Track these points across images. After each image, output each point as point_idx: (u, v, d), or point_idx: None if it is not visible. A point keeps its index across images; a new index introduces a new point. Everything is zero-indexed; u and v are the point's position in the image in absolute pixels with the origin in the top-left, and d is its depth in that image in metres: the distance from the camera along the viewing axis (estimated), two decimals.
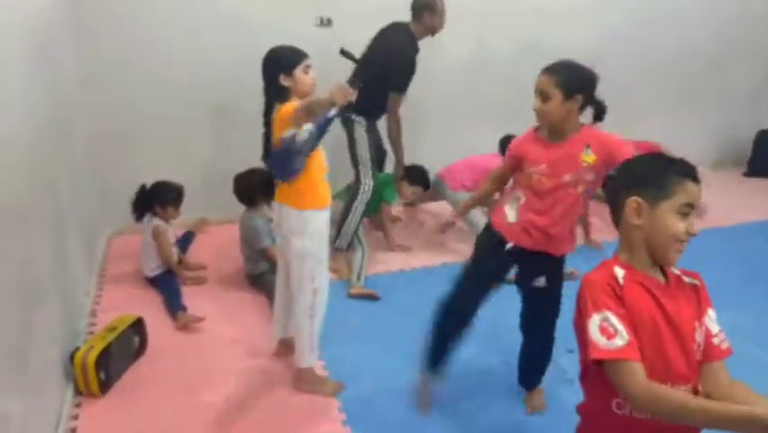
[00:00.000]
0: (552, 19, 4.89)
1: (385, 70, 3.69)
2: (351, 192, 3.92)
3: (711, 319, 1.55)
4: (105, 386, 2.74)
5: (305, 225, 2.61)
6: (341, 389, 2.82)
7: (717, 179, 5.62)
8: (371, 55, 3.74)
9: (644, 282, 1.50)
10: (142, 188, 3.66)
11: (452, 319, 2.60)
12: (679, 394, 1.39)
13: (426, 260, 4.11)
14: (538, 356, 2.74)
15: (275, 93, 2.57)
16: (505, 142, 4.43)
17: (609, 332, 1.42)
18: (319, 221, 2.65)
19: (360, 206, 3.86)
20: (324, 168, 2.66)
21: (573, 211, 2.38)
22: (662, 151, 4.52)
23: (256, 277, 3.64)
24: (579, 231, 4.35)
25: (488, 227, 2.57)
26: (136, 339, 3.01)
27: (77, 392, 2.73)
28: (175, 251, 3.77)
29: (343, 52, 2.56)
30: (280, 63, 2.54)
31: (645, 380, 1.39)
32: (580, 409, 1.69)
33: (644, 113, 5.32)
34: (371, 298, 3.61)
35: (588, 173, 2.29)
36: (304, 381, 2.80)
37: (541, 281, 2.53)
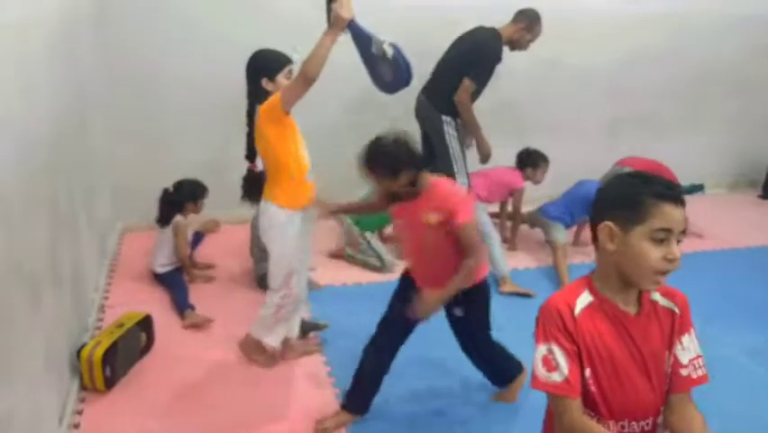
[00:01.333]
0: (573, 35, 4.88)
1: (469, 60, 3.77)
2: None
3: (684, 348, 1.50)
4: (110, 382, 2.74)
5: (280, 219, 2.66)
6: (275, 361, 2.93)
7: (733, 201, 5.59)
8: (457, 51, 3.84)
9: (609, 312, 1.46)
10: (165, 191, 3.68)
11: (372, 361, 2.61)
12: (600, 429, 1.42)
13: None
14: (486, 367, 2.76)
15: (257, 96, 2.61)
16: (522, 156, 4.43)
17: (551, 365, 1.43)
18: (287, 219, 2.67)
19: None
20: (304, 166, 2.67)
21: (442, 252, 2.36)
22: (662, 170, 4.53)
23: (264, 277, 3.63)
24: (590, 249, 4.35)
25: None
26: (143, 336, 3.02)
27: (83, 387, 2.73)
28: (189, 249, 3.79)
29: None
30: (264, 68, 2.59)
31: (574, 417, 1.42)
32: (545, 427, 1.71)
33: (662, 132, 5.29)
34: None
35: (436, 229, 2.30)
36: (253, 349, 2.95)
37: (458, 311, 2.55)
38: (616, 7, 4.92)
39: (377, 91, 2.70)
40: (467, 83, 3.78)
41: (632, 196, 1.39)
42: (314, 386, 2.88)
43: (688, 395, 1.51)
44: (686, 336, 1.51)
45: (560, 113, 4.86)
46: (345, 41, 2.51)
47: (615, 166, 4.61)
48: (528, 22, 3.89)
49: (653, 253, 1.36)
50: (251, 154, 2.78)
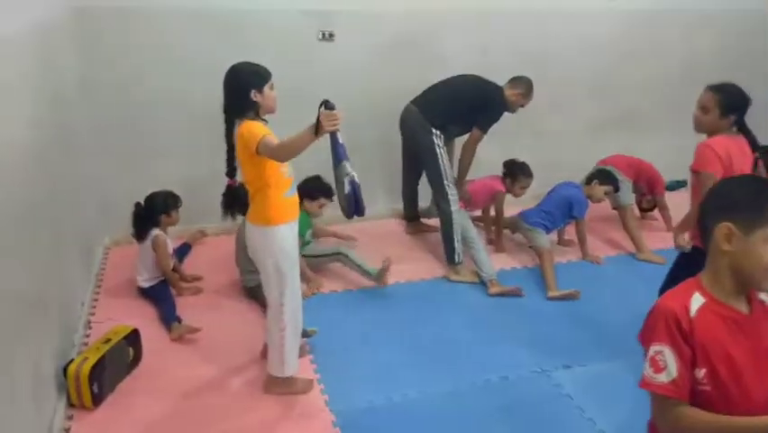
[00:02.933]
0: (556, 36, 4.92)
1: (480, 106, 4.09)
2: (439, 205, 4.08)
3: None
4: (97, 399, 2.72)
5: (269, 242, 2.65)
6: (311, 385, 2.89)
7: None
8: (466, 96, 4.10)
9: (722, 313, 1.47)
10: (138, 205, 3.67)
11: None
12: (712, 417, 1.41)
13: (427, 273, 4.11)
14: None
15: (238, 109, 2.60)
16: (506, 165, 4.44)
17: (659, 366, 1.43)
18: (282, 237, 2.66)
19: (456, 214, 4.01)
20: (286, 183, 2.66)
21: None
22: (645, 168, 4.59)
23: (252, 289, 3.63)
24: (576, 248, 4.38)
25: None
26: (131, 351, 3.00)
27: (70, 405, 2.71)
28: (171, 262, 3.77)
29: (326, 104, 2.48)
30: (251, 80, 2.59)
31: (679, 410, 1.42)
32: (649, 428, 1.69)
33: (645, 130, 5.31)
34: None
35: None
36: (274, 384, 2.86)
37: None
38: (598, 8, 4.96)
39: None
40: (477, 134, 4.13)
41: (755, 198, 1.42)
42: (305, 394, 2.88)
43: None
44: None
45: (544, 113, 4.89)
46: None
47: (598, 165, 4.65)
48: (526, 89, 4.18)
49: None
50: (230, 170, 2.77)
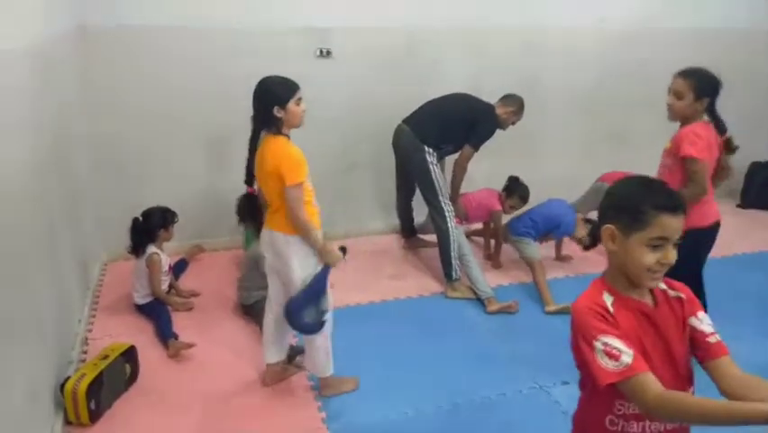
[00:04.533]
0: (548, 54, 4.97)
1: (472, 125, 4.14)
2: (435, 222, 4.10)
3: (702, 321, 1.55)
4: (95, 416, 2.71)
5: (299, 250, 2.67)
6: (358, 382, 3.03)
7: None
8: (458, 114, 4.15)
9: (630, 306, 1.52)
10: (135, 221, 3.67)
11: None
12: (693, 399, 1.41)
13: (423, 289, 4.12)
14: None
15: (264, 122, 2.62)
16: (507, 180, 4.48)
17: (614, 354, 1.43)
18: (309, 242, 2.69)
19: (452, 230, 4.03)
20: (311, 192, 2.70)
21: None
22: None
23: (249, 306, 3.63)
24: (572, 263, 4.39)
25: None
26: (128, 367, 2.99)
27: (67, 422, 2.70)
28: (167, 279, 3.77)
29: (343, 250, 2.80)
30: (275, 95, 2.58)
31: (659, 388, 1.39)
32: (574, 420, 1.72)
33: (638, 144, 5.35)
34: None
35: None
36: (329, 387, 2.95)
37: None
38: (589, 26, 5.02)
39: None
40: (469, 151, 4.17)
41: (634, 204, 1.47)
42: (302, 409, 2.88)
43: (729, 358, 1.51)
44: (699, 312, 1.57)
45: (537, 130, 4.93)
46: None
47: (596, 182, 4.68)
48: (517, 108, 4.27)
49: (649, 258, 1.45)
50: (249, 179, 2.78)
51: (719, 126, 2.87)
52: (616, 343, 1.44)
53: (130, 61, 4.08)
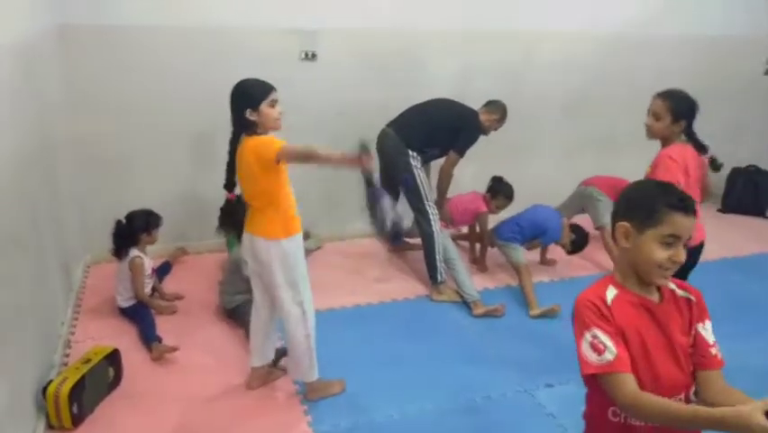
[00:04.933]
0: (531, 58, 5.01)
1: (457, 130, 4.18)
2: (420, 225, 4.11)
3: (707, 330, 1.61)
4: (77, 419, 2.68)
5: (280, 255, 2.66)
6: (344, 384, 3.03)
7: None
8: (441, 119, 4.18)
9: (633, 301, 1.57)
10: (119, 224, 3.64)
11: None
12: (660, 401, 1.44)
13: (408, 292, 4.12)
14: None
15: (241, 125, 2.61)
16: (491, 181, 4.50)
17: (599, 348, 1.50)
18: (292, 248, 2.69)
19: (437, 234, 4.05)
20: (293, 201, 2.71)
21: None
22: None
23: (231, 310, 3.61)
24: (557, 267, 4.43)
25: None
26: (111, 371, 2.96)
27: (49, 426, 2.67)
28: (150, 281, 3.74)
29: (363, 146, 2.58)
30: (246, 98, 2.57)
31: (633, 389, 1.46)
32: (584, 417, 1.75)
33: (620, 150, 5.40)
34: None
35: None
36: (315, 390, 2.94)
37: None
38: (573, 30, 5.06)
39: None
40: (454, 157, 4.21)
41: (649, 203, 1.54)
42: (287, 412, 2.87)
43: (720, 373, 1.59)
44: (707, 321, 1.63)
45: (520, 135, 4.97)
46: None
47: (580, 186, 4.72)
48: (501, 114, 4.31)
49: (661, 255, 1.52)
50: (229, 184, 2.77)
51: (699, 147, 2.90)
52: (603, 338, 1.51)
53: (112, 61, 4.03)
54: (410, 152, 4.08)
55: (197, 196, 4.37)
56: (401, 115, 4.24)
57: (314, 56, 4.44)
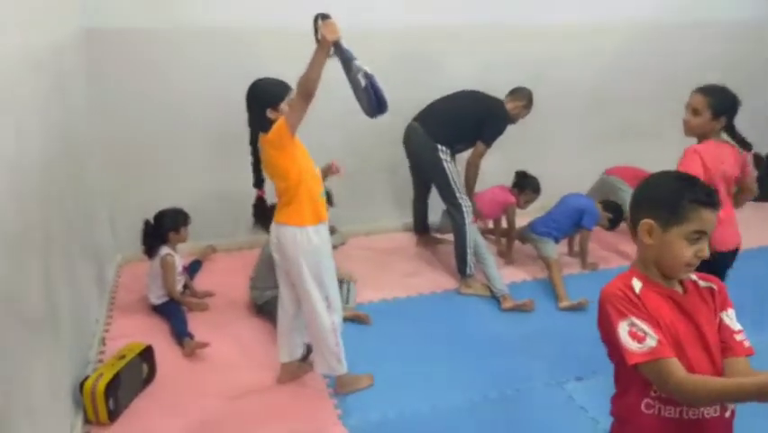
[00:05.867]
0: (555, 49, 4.95)
1: (484, 121, 4.13)
2: (453, 218, 4.11)
3: (731, 318, 1.59)
4: (113, 415, 2.74)
5: (305, 245, 2.68)
6: (372, 378, 3.03)
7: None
8: (468, 111, 4.15)
9: (661, 292, 1.55)
10: (147, 223, 3.70)
11: None
12: (714, 380, 1.44)
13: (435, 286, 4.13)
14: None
15: (260, 124, 2.64)
16: (516, 176, 4.49)
17: (639, 336, 1.47)
18: (318, 238, 2.70)
19: (470, 227, 4.05)
20: (318, 182, 2.72)
21: None
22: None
23: (261, 306, 3.65)
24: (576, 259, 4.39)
25: None
26: (145, 367, 3.02)
27: (86, 421, 2.73)
28: (182, 279, 3.80)
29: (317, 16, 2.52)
30: (267, 98, 2.62)
31: (683, 373, 1.43)
32: (612, 413, 1.73)
33: (648, 141, 5.33)
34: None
35: None
36: (344, 385, 2.96)
37: None
38: (596, 20, 5.00)
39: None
40: (482, 148, 4.16)
41: (674, 199, 1.50)
42: (317, 406, 2.90)
43: (747, 360, 1.55)
44: (730, 309, 1.60)
45: (544, 126, 4.93)
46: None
47: (602, 175, 4.68)
48: (527, 101, 4.25)
49: (687, 251, 1.50)
50: (258, 182, 2.82)
51: (742, 144, 2.79)
52: (642, 325, 1.48)
53: (136, 63, 4.09)
54: (439, 146, 4.05)
55: (226, 193, 4.41)
56: (427, 109, 4.22)
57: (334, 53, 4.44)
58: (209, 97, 4.23)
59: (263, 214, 2.92)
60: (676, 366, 1.44)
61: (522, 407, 2.90)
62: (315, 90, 2.47)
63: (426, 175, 4.28)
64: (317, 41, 2.44)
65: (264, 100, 2.61)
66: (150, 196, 4.09)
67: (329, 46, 2.45)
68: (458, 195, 4.06)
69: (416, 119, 4.19)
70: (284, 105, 2.60)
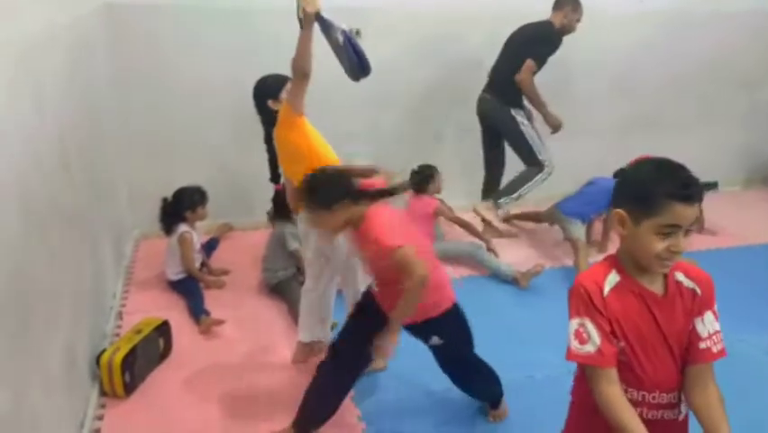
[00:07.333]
0: (581, 34, 4.87)
1: (530, 45, 4.07)
2: (531, 171, 4.20)
3: (705, 323, 1.53)
4: (129, 388, 2.77)
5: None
6: (387, 361, 2.96)
7: (747, 199, 5.57)
8: (516, 45, 4.11)
9: (635, 291, 1.51)
10: (165, 201, 3.72)
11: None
12: (625, 415, 1.45)
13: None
14: (471, 388, 2.72)
15: (268, 119, 2.78)
16: (415, 175, 4.16)
17: (583, 337, 1.49)
18: None
19: (540, 178, 4.16)
20: (336, 159, 2.75)
21: (392, 279, 2.25)
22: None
23: (275, 286, 3.66)
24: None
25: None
26: (161, 342, 3.05)
27: (103, 393, 2.77)
28: (199, 257, 3.81)
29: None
30: (266, 90, 2.83)
31: (608, 387, 1.47)
32: (573, 392, 1.78)
33: (673, 130, 5.27)
34: None
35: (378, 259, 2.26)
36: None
37: (435, 340, 2.50)
38: (623, 5, 4.92)
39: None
40: (530, 63, 4.03)
41: (646, 191, 1.42)
42: None
43: (708, 369, 1.52)
44: (707, 313, 1.54)
45: (571, 113, 4.86)
46: None
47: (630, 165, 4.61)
48: (573, 4, 4.10)
49: (659, 245, 1.42)
50: (274, 177, 2.88)
51: None
52: (590, 328, 1.48)
53: (159, 40, 4.09)
54: (511, 110, 4.06)
55: (243, 173, 4.41)
56: (490, 75, 4.24)
57: (358, 33, 4.40)
58: (228, 76, 4.21)
59: (281, 208, 2.97)
60: (606, 377, 1.48)
61: (535, 394, 2.89)
62: (308, 67, 2.51)
63: (506, 138, 4.30)
64: (299, 19, 2.48)
65: (264, 95, 2.83)
66: (167, 173, 4.11)
67: (312, 19, 2.48)
68: (540, 156, 4.14)
69: (484, 90, 4.20)
70: (283, 94, 2.74)
